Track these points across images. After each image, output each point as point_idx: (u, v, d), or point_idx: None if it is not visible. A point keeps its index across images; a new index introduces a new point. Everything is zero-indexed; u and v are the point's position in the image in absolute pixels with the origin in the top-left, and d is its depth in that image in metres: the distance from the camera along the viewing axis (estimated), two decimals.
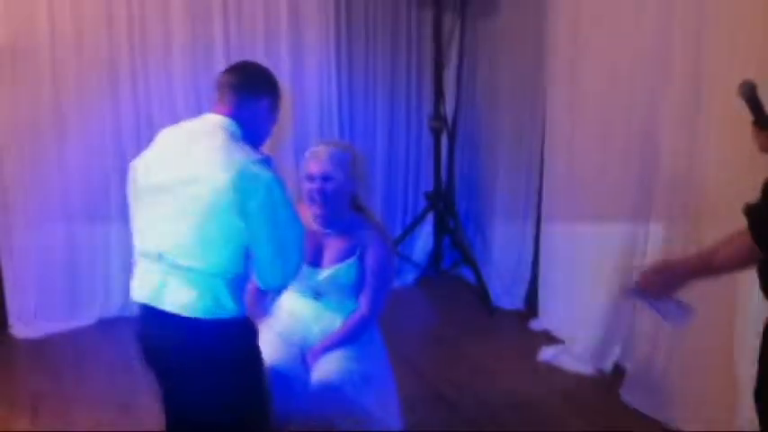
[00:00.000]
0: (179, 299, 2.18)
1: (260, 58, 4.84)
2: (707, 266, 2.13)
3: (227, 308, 2.20)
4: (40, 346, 4.46)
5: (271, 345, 2.76)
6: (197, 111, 4.71)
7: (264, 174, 2.13)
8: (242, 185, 2.09)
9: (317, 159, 2.80)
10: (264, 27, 4.89)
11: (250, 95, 2.31)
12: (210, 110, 2.32)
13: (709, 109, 3.19)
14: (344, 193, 2.82)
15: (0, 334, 4.58)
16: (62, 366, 4.23)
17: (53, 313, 4.63)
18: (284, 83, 4.92)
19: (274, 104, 2.38)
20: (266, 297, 2.97)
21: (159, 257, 2.21)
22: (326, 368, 2.73)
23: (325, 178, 2.77)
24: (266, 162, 2.17)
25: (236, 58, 4.79)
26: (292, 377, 2.72)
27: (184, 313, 2.18)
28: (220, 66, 4.74)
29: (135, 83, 4.63)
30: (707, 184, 3.22)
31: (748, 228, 1.95)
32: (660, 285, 2.23)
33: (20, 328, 4.59)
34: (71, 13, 4.40)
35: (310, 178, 2.79)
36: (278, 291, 2.28)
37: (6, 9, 4.25)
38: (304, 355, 2.83)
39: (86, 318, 4.72)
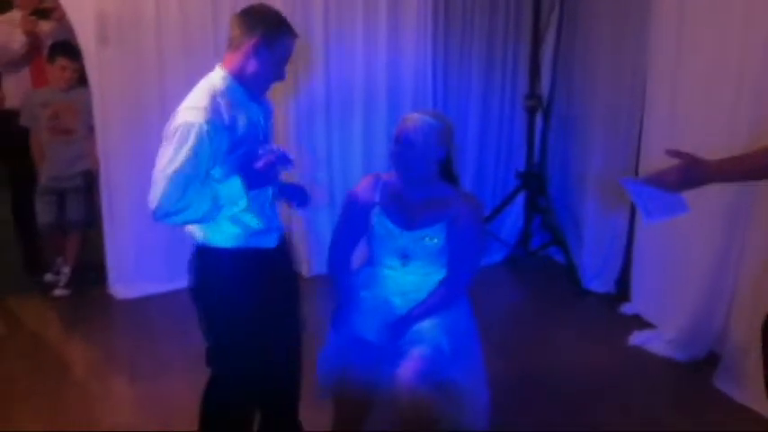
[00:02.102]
0: None
1: (358, 30, 4.91)
2: (740, 167, 2.22)
3: (197, 236, 2.58)
4: (137, 307, 4.63)
5: (358, 313, 2.83)
6: (295, 65, 4.82)
7: (183, 116, 2.37)
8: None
9: (404, 124, 2.82)
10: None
11: (237, 45, 2.49)
12: None
13: None
14: (429, 160, 2.81)
15: (100, 293, 4.77)
16: (159, 327, 4.37)
17: (151, 275, 4.79)
18: (381, 57, 4.99)
19: (261, 46, 2.47)
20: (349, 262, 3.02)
21: None
22: (416, 338, 2.75)
23: (406, 144, 2.78)
24: (200, 110, 2.36)
25: (334, 32, 4.89)
26: (379, 347, 2.74)
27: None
28: (319, 39, 4.83)
29: None
30: None
31: None
32: (682, 176, 2.24)
33: (119, 289, 4.77)
34: None
35: (395, 141, 2.83)
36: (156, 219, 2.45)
37: None
38: (391, 324, 2.84)
39: (183, 280, 4.79)
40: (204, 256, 2.61)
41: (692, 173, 2.23)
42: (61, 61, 4.63)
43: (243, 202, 2.45)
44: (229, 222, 2.50)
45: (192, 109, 2.38)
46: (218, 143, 2.38)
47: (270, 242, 2.64)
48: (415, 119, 2.82)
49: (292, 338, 2.80)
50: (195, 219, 2.43)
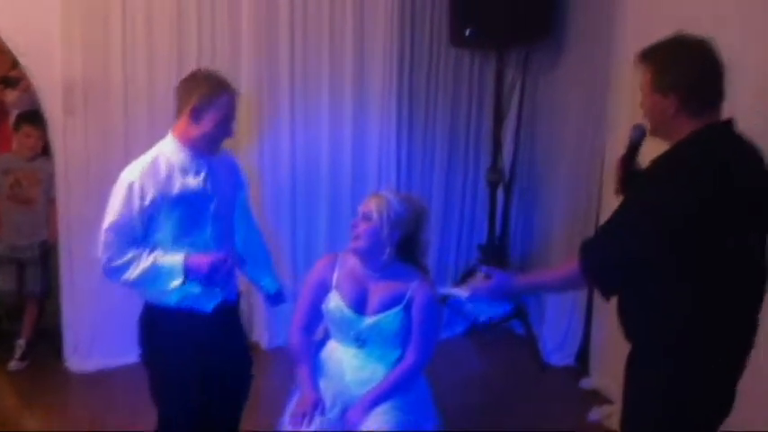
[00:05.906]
0: None
1: (323, 102, 5.00)
2: (543, 281, 2.72)
3: (146, 296, 2.76)
4: (94, 380, 4.54)
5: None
6: (261, 144, 4.83)
7: (123, 174, 2.62)
8: None
9: (367, 200, 2.89)
10: (330, 74, 4.98)
11: (180, 112, 2.66)
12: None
13: None
14: (384, 239, 2.81)
15: (56, 366, 4.68)
16: (116, 401, 4.28)
17: (108, 348, 4.67)
18: (346, 133, 5.05)
19: (199, 110, 2.61)
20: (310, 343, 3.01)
21: None
22: (374, 420, 2.73)
23: (363, 217, 2.84)
24: (137, 169, 2.60)
25: (300, 101, 4.94)
26: None
27: None
28: (286, 118, 4.89)
29: None
30: None
31: (579, 260, 2.26)
32: (492, 293, 2.55)
33: (75, 362, 4.67)
34: (144, 50, 4.49)
35: (358, 215, 2.87)
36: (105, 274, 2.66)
37: (83, 45, 4.34)
38: (345, 409, 2.82)
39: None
40: (146, 312, 2.79)
41: (499, 290, 2.54)
42: (26, 129, 4.63)
43: (179, 283, 2.58)
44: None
45: (132, 168, 2.61)
46: (151, 200, 2.54)
47: (206, 306, 2.72)
48: (379, 196, 2.87)
49: (227, 404, 2.93)
50: (139, 278, 2.57)
